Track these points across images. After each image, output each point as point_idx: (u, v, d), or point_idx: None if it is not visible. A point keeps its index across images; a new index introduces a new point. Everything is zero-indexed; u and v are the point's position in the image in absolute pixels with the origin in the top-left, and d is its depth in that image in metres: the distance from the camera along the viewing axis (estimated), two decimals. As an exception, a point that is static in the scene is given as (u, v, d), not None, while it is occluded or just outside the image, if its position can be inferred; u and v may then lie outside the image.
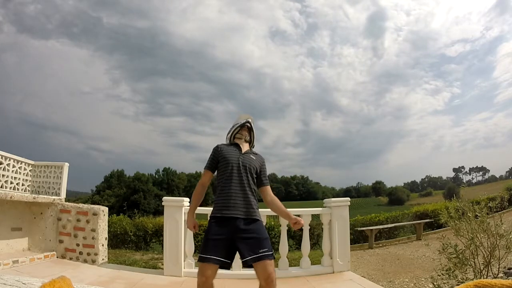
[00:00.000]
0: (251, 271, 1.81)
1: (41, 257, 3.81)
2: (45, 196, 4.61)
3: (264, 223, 3.68)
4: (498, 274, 2.91)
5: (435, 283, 3.17)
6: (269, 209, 2.13)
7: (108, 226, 4.53)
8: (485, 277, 2.86)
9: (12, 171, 5.93)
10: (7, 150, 5.93)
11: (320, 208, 3.95)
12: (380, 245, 8.12)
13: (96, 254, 3.99)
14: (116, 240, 7.51)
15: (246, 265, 1.78)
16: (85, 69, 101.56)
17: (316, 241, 7.19)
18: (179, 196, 22.44)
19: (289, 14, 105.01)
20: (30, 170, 6.37)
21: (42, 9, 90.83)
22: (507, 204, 9.18)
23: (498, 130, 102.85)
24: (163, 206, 3.70)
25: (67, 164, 6.44)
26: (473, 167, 78.79)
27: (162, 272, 3.63)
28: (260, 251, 1.75)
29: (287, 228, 3.83)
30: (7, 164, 5.79)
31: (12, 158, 5.91)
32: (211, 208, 1.98)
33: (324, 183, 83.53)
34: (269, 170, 2.17)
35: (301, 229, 3.91)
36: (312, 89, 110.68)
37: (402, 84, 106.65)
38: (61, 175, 6.29)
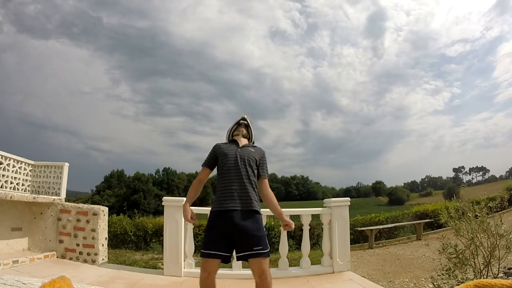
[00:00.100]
0: (250, 271, 1.81)
1: (41, 257, 3.81)
2: (45, 196, 4.61)
3: (264, 223, 3.69)
4: (498, 274, 2.91)
5: (435, 283, 3.17)
6: (268, 210, 2.13)
7: (108, 226, 4.53)
8: (485, 277, 2.86)
9: (12, 171, 5.93)
10: (7, 150, 5.94)
11: (320, 208, 3.95)
12: (380, 245, 8.12)
13: (96, 254, 3.99)
14: (116, 240, 7.51)
15: (241, 259, 1.80)
16: (85, 69, 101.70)
17: (316, 241, 7.19)
18: (179, 196, 22.44)
19: (289, 14, 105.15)
20: (30, 170, 6.38)
21: (42, 9, 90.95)
22: (507, 204, 9.19)
23: (498, 130, 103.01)
24: (163, 206, 3.70)
25: (67, 164, 6.45)
26: (473, 167, 78.90)
27: (162, 272, 3.63)
28: (254, 248, 1.76)
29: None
30: (7, 164, 5.79)
31: (12, 158, 5.91)
32: (210, 208, 1.99)
33: (324, 183, 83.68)
34: (269, 170, 2.16)
35: (301, 229, 3.91)
36: (312, 89, 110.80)
37: (402, 84, 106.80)
38: (61, 175, 6.29)
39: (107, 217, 4.33)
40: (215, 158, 2.01)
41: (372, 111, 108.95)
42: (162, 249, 3.74)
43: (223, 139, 2.20)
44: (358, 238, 8.59)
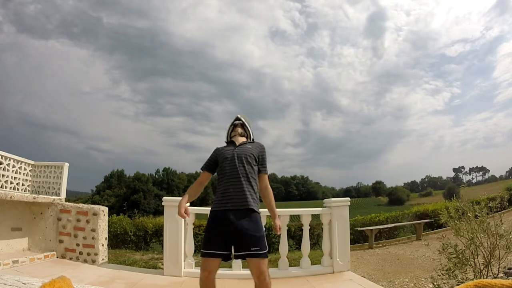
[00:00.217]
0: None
1: (41, 257, 3.81)
2: (45, 196, 4.61)
3: (264, 223, 3.69)
4: (498, 274, 2.91)
5: (435, 283, 3.17)
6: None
7: (108, 226, 4.53)
8: (485, 277, 2.86)
9: (12, 171, 5.94)
10: (7, 150, 5.95)
11: (320, 208, 3.95)
12: (380, 245, 8.11)
13: (96, 254, 3.99)
14: (116, 240, 7.51)
15: (239, 257, 1.83)
16: (85, 69, 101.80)
17: (316, 241, 7.19)
18: (179, 196, 22.36)
19: (289, 14, 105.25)
20: (30, 170, 6.38)
21: (42, 9, 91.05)
22: (507, 204, 9.19)
23: (498, 130, 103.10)
24: (163, 206, 3.70)
25: (67, 164, 6.45)
26: (473, 167, 78.95)
27: (162, 272, 3.63)
28: (252, 248, 1.76)
29: (287, 228, 3.83)
30: (7, 164, 5.79)
31: (12, 158, 5.91)
32: (210, 208, 2.00)
33: (324, 183, 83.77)
34: (269, 170, 2.17)
35: (301, 229, 3.91)
36: (312, 89, 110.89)
37: (402, 84, 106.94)
38: (61, 175, 6.29)
39: (107, 217, 4.33)
40: (215, 161, 2.03)
41: (372, 111, 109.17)
42: (162, 249, 3.74)
43: (223, 139, 2.22)
44: (358, 238, 8.58)
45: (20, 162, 6.13)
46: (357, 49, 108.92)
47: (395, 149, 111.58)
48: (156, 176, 63.22)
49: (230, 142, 2.12)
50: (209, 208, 2.02)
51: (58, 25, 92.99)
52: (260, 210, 1.97)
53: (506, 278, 2.41)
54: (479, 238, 2.96)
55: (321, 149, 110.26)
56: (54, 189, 6.25)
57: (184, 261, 3.59)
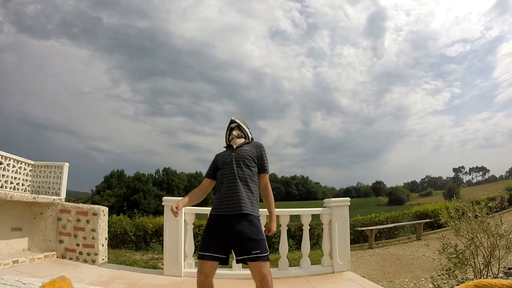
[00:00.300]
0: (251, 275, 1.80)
1: (41, 257, 3.81)
2: (45, 196, 4.61)
3: (264, 223, 3.68)
4: (498, 274, 2.91)
5: (435, 283, 3.17)
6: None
7: (108, 226, 4.53)
8: (485, 277, 2.86)
9: (12, 171, 5.93)
10: (7, 150, 5.94)
11: (320, 208, 3.95)
12: (380, 245, 8.11)
13: (96, 254, 3.99)
14: (116, 240, 7.51)
15: (241, 262, 1.80)
16: (85, 69, 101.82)
17: (316, 241, 7.19)
18: (179, 196, 22.45)
19: (289, 14, 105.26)
20: (30, 170, 6.38)
21: (42, 9, 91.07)
22: (507, 204, 9.19)
23: (498, 130, 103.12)
24: (163, 206, 3.70)
25: (67, 164, 6.45)
26: (473, 167, 78.95)
27: (162, 272, 3.63)
28: (253, 252, 1.74)
29: (287, 228, 3.84)
30: (7, 164, 5.79)
31: (12, 158, 5.91)
32: (210, 208, 2.00)
33: (324, 183, 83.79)
34: (269, 170, 2.17)
35: (301, 229, 3.91)
36: (312, 89, 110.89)
37: (402, 84, 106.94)
38: (61, 175, 6.29)
39: (107, 217, 4.33)
40: (216, 167, 2.03)
41: (372, 111, 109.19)
42: (162, 249, 3.74)
43: (223, 139, 2.22)
44: (358, 238, 8.58)
45: (20, 162, 6.13)
46: (357, 49, 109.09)
47: (395, 149, 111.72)
48: (156, 176, 63.24)
49: (228, 146, 2.12)
50: (209, 208, 2.01)
51: (58, 25, 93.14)
52: (260, 210, 1.96)
53: (506, 278, 2.41)
54: (479, 238, 2.96)
55: (321, 149, 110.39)
56: (54, 189, 6.25)
57: (184, 261, 3.59)
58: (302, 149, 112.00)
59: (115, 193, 53.65)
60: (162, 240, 3.75)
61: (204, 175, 2.13)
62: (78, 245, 4.04)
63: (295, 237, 7.97)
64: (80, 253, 4.02)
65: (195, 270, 3.43)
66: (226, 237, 1.80)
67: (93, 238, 4.02)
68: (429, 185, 75.50)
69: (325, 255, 3.79)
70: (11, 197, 3.72)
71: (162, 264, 4.03)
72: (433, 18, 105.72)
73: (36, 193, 6.12)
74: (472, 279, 1.85)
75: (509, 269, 3.03)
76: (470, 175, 79.54)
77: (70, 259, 4.02)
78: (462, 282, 2.49)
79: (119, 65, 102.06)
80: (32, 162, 6.41)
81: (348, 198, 4.05)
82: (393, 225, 8.94)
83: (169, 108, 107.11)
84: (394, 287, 4.23)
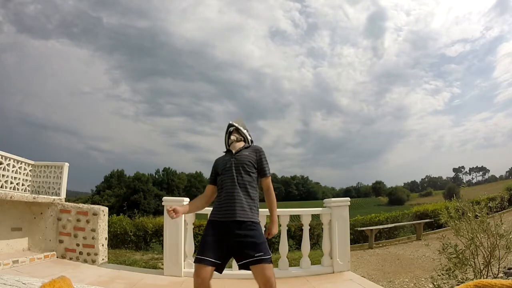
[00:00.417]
0: (250, 271, 1.79)
1: (41, 257, 3.81)
2: (45, 196, 4.62)
3: (264, 223, 3.69)
4: (498, 274, 2.91)
5: (435, 283, 3.17)
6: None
7: (108, 226, 4.54)
8: (485, 277, 2.86)
9: (12, 171, 5.93)
10: (7, 150, 5.95)
11: (320, 208, 3.95)
12: (380, 245, 8.12)
13: (96, 254, 3.99)
14: (116, 240, 7.51)
15: (243, 267, 1.77)
16: (85, 69, 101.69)
17: (316, 241, 7.19)
18: (179, 196, 22.47)
19: (289, 14, 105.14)
20: (30, 170, 6.38)
21: (42, 9, 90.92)
22: (507, 204, 9.18)
23: (498, 130, 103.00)
24: (163, 206, 3.69)
25: (67, 164, 6.45)
26: (473, 167, 78.91)
27: (162, 272, 3.63)
28: (256, 254, 1.73)
29: (287, 228, 3.84)
30: (7, 164, 5.79)
31: (12, 158, 5.91)
32: (211, 208, 1.99)
33: (324, 183, 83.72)
34: (270, 172, 2.17)
35: (301, 229, 3.92)
36: (312, 89, 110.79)
37: (402, 84, 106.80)
38: (61, 175, 6.29)
39: (107, 217, 4.34)
40: (216, 173, 2.02)
41: (372, 111, 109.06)
42: (162, 249, 3.74)
43: (223, 139, 2.20)
44: (358, 238, 8.58)
45: (20, 162, 6.13)
46: (357, 49, 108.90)
47: (395, 149, 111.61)
48: (156, 176, 63.20)
49: (227, 151, 2.10)
50: (210, 208, 2.01)
51: (58, 25, 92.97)
52: (260, 210, 1.96)
53: (506, 278, 2.41)
54: (479, 238, 2.96)
55: (321, 149, 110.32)
56: (54, 189, 6.25)
57: (184, 261, 3.60)
58: (302, 149, 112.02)
59: (115, 193, 53.62)
60: (162, 240, 3.76)
61: (204, 175, 2.15)
62: (78, 245, 4.04)
63: (295, 237, 7.97)
64: (80, 253, 4.02)
65: (195, 270, 3.44)
66: (226, 243, 1.78)
67: (93, 238, 4.02)
68: (429, 185, 75.46)
69: (325, 255, 3.79)
70: (11, 197, 3.72)
71: (162, 264, 4.03)
72: (433, 18, 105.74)
73: (36, 193, 6.12)
74: (472, 279, 1.85)
75: (509, 269, 3.03)
76: (470, 175, 79.60)
77: (70, 259, 4.02)
78: (462, 282, 2.49)
79: (119, 65, 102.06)
80: (32, 162, 6.41)
81: (348, 198, 4.05)
82: (393, 225, 8.94)
83: (169, 108, 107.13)
84: (394, 287, 4.23)
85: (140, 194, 53.18)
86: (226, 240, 1.78)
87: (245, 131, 2.15)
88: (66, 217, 4.12)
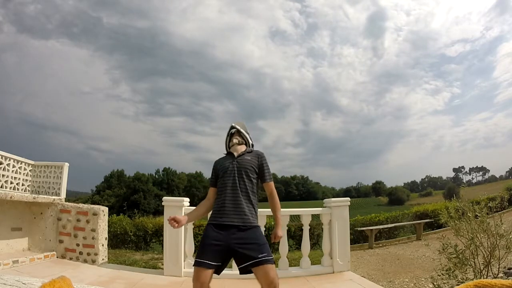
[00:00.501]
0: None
1: (41, 257, 3.81)
2: (45, 196, 4.62)
3: (264, 223, 3.68)
4: (498, 274, 2.91)
5: (435, 283, 3.17)
6: (270, 210, 2.12)
7: (108, 226, 4.54)
8: (485, 277, 2.86)
9: (12, 171, 5.94)
10: (7, 150, 5.95)
11: (320, 208, 3.95)
12: (380, 245, 8.12)
13: (96, 254, 3.99)
14: (116, 240, 7.51)
15: (244, 271, 1.75)
16: (85, 69, 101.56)
17: (316, 241, 7.19)
18: (179, 196, 22.45)
19: (289, 14, 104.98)
20: (30, 170, 6.38)
21: (42, 9, 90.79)
22: (507, 204, 9.18)
23: (498, 130, 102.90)
24: (163, 206, 3.70)
25: (67, 164, 6.45)
26: (473, 167, 78.88)
27: (162, 272, 3.63)
28: (259, 255, 1.72)
29: (287, 228, 3.84)
30: (7, 164, 5.79)
31: (12, 158, 5.91)
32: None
33: (324, 183, 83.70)
34: (271, 178, 2.16)
35: (301, 229, 3.92)
36: (312, 89, 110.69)
37: (402, 84, 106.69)
38: (61, 175, 6.30)
39: (107, 217, 4.34)
40: (217, 175, 2.00)
41: (372, 111, 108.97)
42: (162, 249, 3.74)
43: (223, 139, 2.19)
44: (358, 238, 8.58)
45: (20, 162, 6.14)
46: (357, 49, 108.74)
47: (395, 149, 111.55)
48: (156, 176, 63.19)
49: (228, 153, 2.08)
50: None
51: (58, 25, 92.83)
52: (261, 210, 1.96)
53: (506, 278, 2.41)
54: (479, 238, 2.96)
55: (321, 149, 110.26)
56: (54, 189, 6.25)
57: (184, 261, 3.60)
58: (302, 149, 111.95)
59: (115, 193, 53.63)
60: (162, 240, 3.76)
61: (204, 175, 2.14)
62: (78, 245, 4.04)
63: (295, 237, 7.97)
64: (80, 253, 4.02)
65: (195, 270, 3.44)
66: (226, 246, 1.76)
67: (93, 238, 4.03)
68: (429, 185, 75.47)
69: (325, 255, 3.79)
70: (11, 197, 3.72)
71: (162, 264, 4.03)
72: (433, 18, 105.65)
73: (36, 193, 6.12)
74: (472, 279, 1.85)
75: (509, 269, 3.03)
76: (470, 175, 79.58)
77: (70, 259, 4.02)
78: (462, 282, 2.49)
79: (119, 65, 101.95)
80: (32, 162, 6.41)
81: (348, 198, 4.06)
82: (393, 225, 8.94)
83: (169, 108, 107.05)
84: (394, 287, 4.23)
85: (140, 194, 53.19)
86: (226, 243, 1.76)
87: (246, 135, 2.13)
88: (66, 217, 4.12)
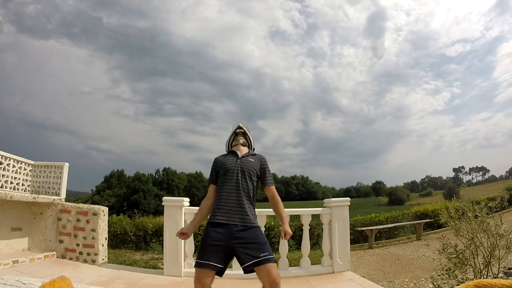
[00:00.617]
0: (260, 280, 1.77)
1: (41, 257, 3.81)
2: (45, 196, 4.61)
3: (264, 223, 3.68)
4: (498, 274, 2.91)
5: (435, 283, 3.17)
6: (270, 209, 2.13)
7: (108, 226, 4.54)
8: (485, 277, 2.86)
9: (12, 171, 5.93)
10: (7, 150, 5.95)
11: (320, 208, 3.96)
12: (380, 245, 8.12)
13: (96, 254, 3.99)
14: (116, 240, 7.51)
15: (247, 270, 1.75)
16: (85, 69, 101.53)
17: (316, 241, 7.19)
18: (179, 196, 22.46)
19: (289, 14, 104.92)
20: (30, 170, 6.38)
21: (42, 9, 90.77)
22: (507, 204, 9.18)
23: (498, 130, 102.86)
24: (163, 206, 3.70)
25: (67, 164, 6.45)
26: (473, 167, 78.85)
27: (162, 272, 3.63)
28: (261, 255, 1.72)
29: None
30: (7, 164, 5.79)
31: (12, 158, 5.91)
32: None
33: (324, 183, 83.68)
34: (269, 168, 2.17)
35: (301, 229, 3.92)
36: (312, 89, 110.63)
37: (402, 84, 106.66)
38: (61, 175, 6.29)
39: (107, 217, 4.34)
40: (217, 172, 1.99)
41: (372, 111, 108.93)
42: (162, 249, 3.74)
43: (223, 139, 2.17)
44: (358, 238, 8.58)
45: (20, 162, 6.13)
46: (357, 49, 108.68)
47: (395, 149, 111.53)
48: (156, 176, 63.19)
49: (231, 152, 2.06)
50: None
51: (58, 25, 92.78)
52: (261, 210, 1.96)
53: (506, 278, 2.41)
54: (479, 238, 2.96)
55: (321, 149, 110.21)
56: (54, 189, 6.25)
57: (184, 261, 3.60)
58: (302, 149, 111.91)
59: (115, 193, 53.63)
60: (162, 240, 3.76)
61: (204, 175, 2.13)
62: (78, 245, 4.04)
63: (295, 237, 7.95)
64: (80, 253, 4.02)
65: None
66: (227, 246, 1.76)
67: (93, 238, 4.03)
68: (429, 185, 75.45)
69: (325, 255, 3.79)
70: (11, 197, 3.72)
71: (162, 264, 4.03)
72: (433, 18, 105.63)
73: (36, 193, 6.12)
74: (472, 279, 1.85)
75: (509, 269, 3.03)
76: (470, 175, 79.55)
77: (70, 259, 4.02)
78: (462, 282, 2.49)
79: (119, 65, 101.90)
80: (32, 162, 6.41)
81: (348, 198, 4.06)
82: (393, 225, 8.94)
83: (169, 108, 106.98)
84: (394, 287, 4.23)
85: (140, 194, 53.19)
86: (227, 243, 1.76)
87: (251, 137, 2.14)
88: (66, 217, 4.12)
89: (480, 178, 76.48)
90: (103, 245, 4.12)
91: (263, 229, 3.19)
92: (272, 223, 7.50)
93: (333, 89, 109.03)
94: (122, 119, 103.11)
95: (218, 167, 1.99)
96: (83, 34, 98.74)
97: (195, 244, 3.70)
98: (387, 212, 10.13)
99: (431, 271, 3.93)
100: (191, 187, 61.69)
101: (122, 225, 7.74)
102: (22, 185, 6.18)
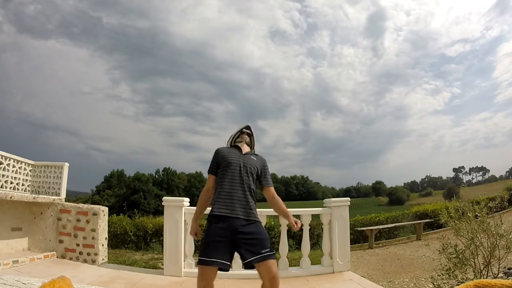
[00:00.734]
0: (251, 271, 1.80)
1: (41, 257, 3.81)
2: (45, 196, 4.61)
3: (264, 223, 3.68)
4: (498, 274, 2.91)
5: (435, 283, 3.17)
6: (270, 209, 2.13)
7: (108, 226, 4.53)
8: (485, 277, 2.86)
9: (12, 171, 5.94)
10: (7, 150, 5.95)
11: (320, 208, 3.95)
12: (380, 245, 8.12)
13: (96, 254, 3.99)
14: (116, 240, 7.51)
15: (248, 266, 1.76)
16: (85, 69, 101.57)
17: (316, 241, 7.19)
18: (179, 196, 22.45)
19: (289, 14, 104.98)
20: (30, 170, 6.38)
21: (42, 9, 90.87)
22: (507, 204, 9.17)
23: (498, 130, 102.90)
24: (163, 206, 3.70)
25: (67, 164, 6.45)
26: (473, 167, 78.87)
27: (162, 272, 3.63)
28: (262, 251, 1.74)
29: (287, 228, 3.83)
30: (7, 164, 5.79)
31: (12, 158, 5.91)
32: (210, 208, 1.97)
33: (324, 183, 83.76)
34: (269, 169, 2.19)
35: (301, 229, 3.92)
36: (312, 89, 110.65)
37: (402, 84, 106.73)
38: (61, 175, 6.29)
39: (107, 217, 4.34)
40: (218, 163, 1.98)
41: (372, 111, 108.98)
42: (162, 249, 3.74)
43: (223, 139, 2.19)
44: (358, 238, 8.58)
45: (20, 162, 6.13)
46: (357, 49, 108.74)
47: (395, 149, 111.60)
48: (156, 176, 63.19)
49: (235, 146, 2.07)
50: (209, 208, 1.98)
51: (58, 25, 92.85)
52: (261, 210, 1.97)
53: (506, 278, 2.41)
54: (479, 238, 2.96)
55: (321, 149, 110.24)
56: (54, 189, 6.25)
57: (184, 261, 3.60)
58: (302, 149, 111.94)
59: (115, 193, 53.63)
60: (162, 240, 3.76)
61: (203, 175, 2.12)
62: (78, 245, 4.04)
63: (295, 237, 7.96)
64: (80, 253, 4.02)
65: (195, 270, 3.44)
66: (230, 241, 1.76)
67: (93, 238, 4.02)
68: (429, 185, 75.44)
69: (325, 255, 3.79)
70: (11, 197, 3.72)
71: (162, 264, 4.03)
72: (433, 18, 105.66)
73: (36, 193, 6.12)
74: (472, 279, 1.85)
75: (509, 269, 3.03)
76: (470, 175, 79.56)
77: (70, 259, 4.02)
78: (462, 282, 2.49)
79: (119, 65, 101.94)
80: (32, 162, 6.41)
81: (348, 198, 4.06)
82: (393, 225, 8.94)
83: (169, 108, 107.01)
84: (394, 287, 4.23)
85: (140, 194, 53.20)
86: (230, 238, 1.76)
87: (254, 140, 2.17)
88: (66, 217, 4.12)
89: (480, 178, 76.55)
90: (103, 245, 4.12)
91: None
92: (272, 223, 7.50)
93: (333, 89, 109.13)
94: (122, 119, 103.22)
95: (220, 158, 1.98)
96: (83, 34, 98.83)
97: (195, 244, 3.69)
98: (387, 212, 10.13)
99: (431, 271, 3.93)
100: (191, 187, 61.66)
101: (122, 225, 7.74)
102: (22, 185, 6.18)
